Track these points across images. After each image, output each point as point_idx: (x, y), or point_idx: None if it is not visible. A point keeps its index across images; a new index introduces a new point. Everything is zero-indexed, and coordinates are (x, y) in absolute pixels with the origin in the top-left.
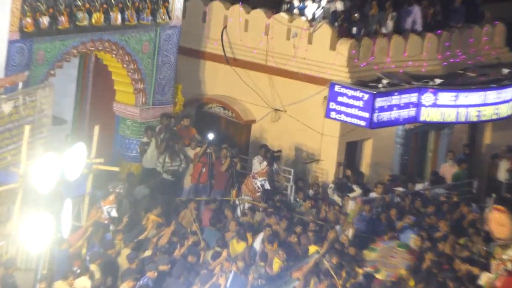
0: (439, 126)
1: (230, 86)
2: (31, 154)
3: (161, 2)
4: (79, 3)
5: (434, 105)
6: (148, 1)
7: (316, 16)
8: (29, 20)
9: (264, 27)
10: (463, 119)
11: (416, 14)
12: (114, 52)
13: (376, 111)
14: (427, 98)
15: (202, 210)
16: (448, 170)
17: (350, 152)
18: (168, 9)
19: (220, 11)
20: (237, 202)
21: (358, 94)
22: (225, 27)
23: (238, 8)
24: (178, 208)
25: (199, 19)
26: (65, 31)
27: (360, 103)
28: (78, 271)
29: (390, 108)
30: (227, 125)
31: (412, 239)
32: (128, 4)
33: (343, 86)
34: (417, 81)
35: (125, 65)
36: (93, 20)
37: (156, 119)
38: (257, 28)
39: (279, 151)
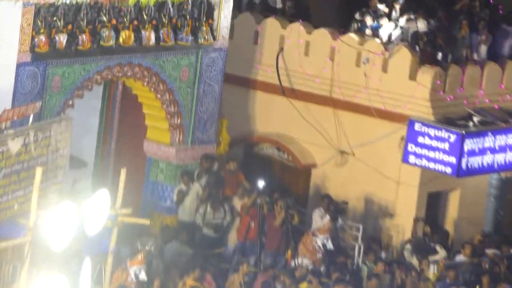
0: None
1: (286, 122)
2: (43, 202)
3: (204, 19)
4: (104, 18)
5: None
6: (188, 17)
7: (393, 37)
8: (43, 38)
9: (329, 51)
10: None
11: None
12: (146, 79)
13: (465, 155)
14: None
15: (251, 275)
16: None
17: (432, 205)
18: (212, 28)
19: (276, 31)
20: (293, 264)
21: (443, 134)
22: (281, 50)
23: (297, 27)
24: (222, 271)
25: (249, 40)
26: (87, 53)
27: (445, 146)
28: None
29: (482, 152)
30: (282, 170)
31: None
32: (164, 20)
33: (424, 124)
34: None
35: (158, 96)
36: (120, 40)
37: (195, 161)
38: (321, 52)
39: (345, 202)
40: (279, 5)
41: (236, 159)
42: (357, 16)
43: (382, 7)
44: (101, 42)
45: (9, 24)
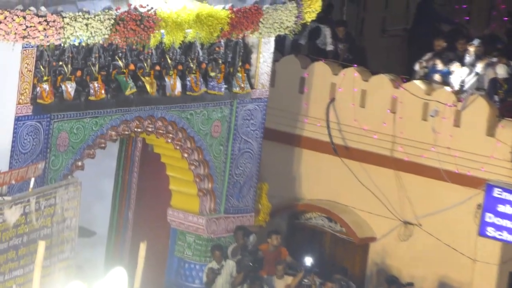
0: None
1: (339, 187)
2: (47, 283)
3: (240, 64)
4: (120, 63)
5: None
6: (220, 61)
7: (467, 85)
8: (46, 87)
9: (389, 102)
10: None
11: None
12: (171, 135)
13: None
14: None
15: None
16: None
17: None
18: (249, 74)
19: (326, 78)
20: None
21: None
22: (332, 100)
23: (352, 73)
24: None
25: (294, 88)
26: (100, 104)
27: None
28: None
29: None
30: (334, 244)
31: None
32: (192, 65)
33: (505, 190)
34: None
35: (185, 155)
36: (140, 89)
37: (229, 234)
38: (380, 103)
39: (411, 284)
40: (329, 47)
41: (279, 231)
42: (424, 59)
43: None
44: (117, 92)
45: (6, 70)
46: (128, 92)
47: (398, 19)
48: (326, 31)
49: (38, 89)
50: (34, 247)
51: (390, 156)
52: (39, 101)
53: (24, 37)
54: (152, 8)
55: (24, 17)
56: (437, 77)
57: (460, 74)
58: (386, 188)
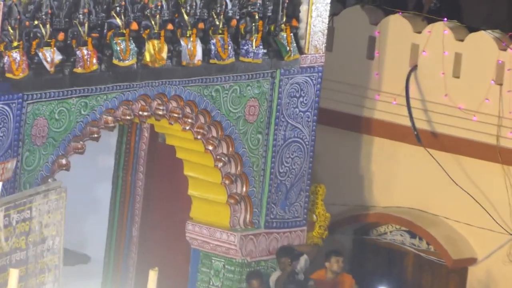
0: None
1: (425, 189)
2: None
3: (284, 20)
4: (118, 21)
5: None
6: (257, 17)
7: None
8: (17, 56)
9: (493, 69)
10: None
11: None
12: (189, 120)
13: None
14: None
15: None
16: None
17: None
18: (297, 34)
19: (405, 36)
20: None
21: None
22: (414, 68)
23: (441, 30)
24: None
25: (361, 53)
26: (90, 79)
27: None
28: None
29: None
30: (419, 268)
31: None
32: (218, 23)
33: None
34: None
35: (210, 147)
36: (146, 57)
37: (272, 257)
38: (480, 71)
39: None
40: None
41: (341, 252)
42: None
43: None
44: (114, 61)
45: None
46: (129, 61)
47: None
48: None
49: (6, 59)
50: (3, 277)
51: (495, 145)
52: (7, 75)
53: None
54: None
55: None
56: None
57: None
58: (491, 188)
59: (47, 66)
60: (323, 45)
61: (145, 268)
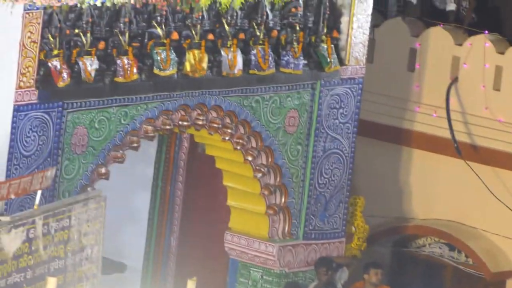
0: None
1: (464, 202)
2: None
3: (325, 31)
4: (159, 31)
5: None
6: (298, 28)
7: None
8: (57, 64)
9: None
10: None
11: None
12: (229, 131)
13: None
14: None
15: None
16: None
17: None
18: (338, 45)
19: (446, 49)
20: None
21: None
22: (454, 80)
23: (481, 43)
24: None
25: (401, 64)
26: (131, 88)
27: None
28: None
29: None
30: (457, 281)
31: None
32: (258, 33)
33: None
34: None
35: (249, 158)
36: (187, 66)
37: (310, 268)
38: None
39: None
40: (450, 5)
41: (380, 264)
42: None
43: None
44: (155, 70)
45: (2, 41)
46: (169, 71)
47: None
48: None
49: (46, 66)
50: (41, 285)
51: None
52: (47, 83)
53: None
54: None
55: None
56: None
57: None
58: None
59: (87, 75)
60: (364, 57)
61: (183, 278)
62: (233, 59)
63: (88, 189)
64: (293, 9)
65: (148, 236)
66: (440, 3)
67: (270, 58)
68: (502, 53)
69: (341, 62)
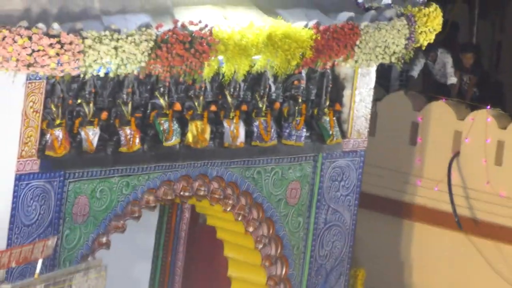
0: None
1: (466, 276)
2: None
3: (327, 104)
4: (162, 102)
5: None
6: (300, 100)
7: None
8: (59, 134)
9: None
10: None
11: None
12: (230, 202)
13: None
14: None
15: None
16: None
17: None
18: (340, 118)
19: (448, 123)
20: None
21: None
22: (456, 155)
23: (483, 118)
24: None
25: (403, 138)
26: (133, 159)
27: None
28: None
29: None
30: None
31: None
32: (261, 105)
33: None
34: None
35: (250, 229)
36: (189, 137)
37: None
38: None
39: None
40: (451, 80)
41: None
42: None
43: None
44: (157, 141)
45: (4, 110)
46: (171, 142)
47: None
48: (447, 59)
49: (48, 136)
50: None
51: None
52: (49, 153)
53: (29, 65)
54: (206, 26)
55: (30, 38)
56: None
57: None
58: None
59: (89, 145)
60: (366, 130)
61: None
62: (236, 131)
63: (89, 258)
64: (296, 82)
65: None
66: (441, 77)
67: (272, 129)
68: (504, 128)
69: (343, 135)
